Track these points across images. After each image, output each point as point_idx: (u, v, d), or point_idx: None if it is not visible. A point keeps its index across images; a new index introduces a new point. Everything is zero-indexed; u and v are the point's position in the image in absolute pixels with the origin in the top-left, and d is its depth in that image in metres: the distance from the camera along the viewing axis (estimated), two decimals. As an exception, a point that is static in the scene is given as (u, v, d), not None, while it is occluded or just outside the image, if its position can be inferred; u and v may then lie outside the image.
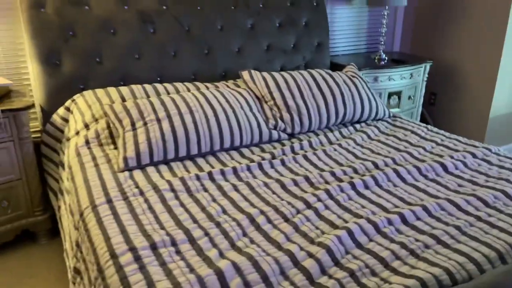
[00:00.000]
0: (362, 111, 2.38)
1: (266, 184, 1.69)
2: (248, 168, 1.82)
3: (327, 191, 1.61)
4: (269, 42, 2.71)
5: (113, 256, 1.24)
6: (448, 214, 1.50)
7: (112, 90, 2.14)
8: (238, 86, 2.39)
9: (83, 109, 2.08)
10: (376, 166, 1.86)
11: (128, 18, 2.29)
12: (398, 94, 3.06)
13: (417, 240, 1.34)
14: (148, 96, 2.14)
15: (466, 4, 3.17)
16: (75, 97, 2.16)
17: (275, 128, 2.18)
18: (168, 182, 1.65)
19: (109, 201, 1.52)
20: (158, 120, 1.89)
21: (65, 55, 2.17)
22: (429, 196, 1.63)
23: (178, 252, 1.27)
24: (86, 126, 2.03)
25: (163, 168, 1.81)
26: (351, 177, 1.76)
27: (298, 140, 2.16)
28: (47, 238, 2.26)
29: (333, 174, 1.77)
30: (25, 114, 2.00)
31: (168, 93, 2.20)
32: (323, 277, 1.19)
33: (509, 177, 1.75)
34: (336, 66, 2.98)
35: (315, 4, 2.84)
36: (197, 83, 2.34)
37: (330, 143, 2.15)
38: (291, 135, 2.23)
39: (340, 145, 2.09)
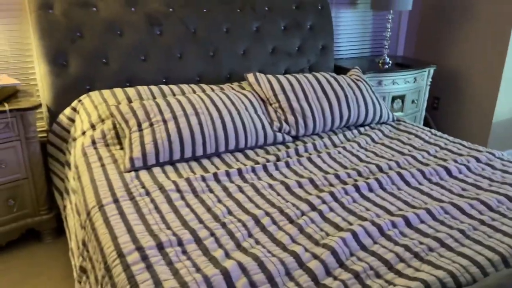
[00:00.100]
0: (366, 115, 2.40)
1: (271, 186, 1.70)
2: (253, 170, 1.83)
3: (332, 194, 1.62)
4: (274, 45, 2.73)
5: (120, 255, 1.25)
6: (452, 218, 1.51)
7: (118, 91, 2.16)
8: (243, 88, 2.40)
9: (90, 110, 2.09)
10: (380, 169, 1.87)
11: (135, 20, 2.31)
12: (402, 98, 3.08)
13: (421, 243, 1.35)
14: (154, 97, 2.15)
15: (470, 9, 3.18)
16: (81, 97, 2.18)
17: (279, 130, 2.19)
18: (174, 182, 1.66)
19: (116, 201, 1.54)
20: (164, 121, 1.91)
21: (72, 56, 2.19)
22: (433, 199, 1.64)
23: (184, 252, 1.28)
24: (93, 127, 2.05)
25: (169, 168, 1.83)
26: (356, 180, 1.77)
27: (303, 143, 2.17)
28: (52, 237, 2.27)
29: (337, 176, 1.78)
30: (32, 113, 2.02)
31: (174, 94, 2.22)
32: (328, 278, 1.20)
33: (513, 181, 1.76)
34: (340, 70, 3.00)
35: (320, 7, 2.86)
36: (203, 85, 2.35)
37: (335, 146, 2.16)
38: (296, 138, 2.24)
39: (344, 148, 2.10)
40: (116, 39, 2.28)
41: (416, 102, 3.19)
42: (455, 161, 1.93)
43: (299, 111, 2.24)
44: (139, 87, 2.20)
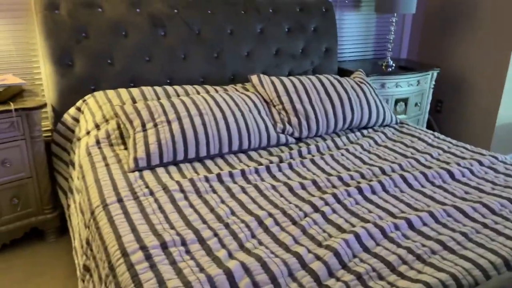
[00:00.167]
0: (370, 117, 2.40)
1: (274, 187, 1.71)
2: (256, 171, 1.84)
3: (335, 195, 1.63)
4: (278, 46, 2.74)
5: (124, 254, 1.26)
6: (454, 221, 1.51)
7: (122, 91, 2.18)
8: (247, 90, 2.41)
9: (94, 110, 2.11)
10: (383, 171, 1.87)
11: (139, 21, 2.32)
12: (405, 100, 3.08)
13: (423, 246, 1.35)
14: (158, 98, 2.17)
15: (474, 13, 3.18)
16: (86, 97, 2.19)
17: (283, 132, 2.20)
18: (178, 183, 1.67)
19: (120, 200, 1.54)
20: (168, 122, 1.92)
21: (77, 56, 2.21)
22: (435, 202, 1.64)
23: (188, 251, 1.29)
24: (97, 126, 2.06)
25: (173, 169, 1.84)
26: (358, 182, 1.77)
27: (306, 145, 2.18)
28: (55, 236, 2.29)
29: (340, 178, 1.79)
30: (37, 113, 2.04)
31: (178, 95, 2.23)
32: (331, 280, 1.20)
33: (516, 185, 1.76)
34: (343, 72, 3.00)
35: (324, 10, 2.87)
36: (207, 86, 2.36)
37: (338, 148, 2.17)
38: (299, 139, 2.25)
39: (347, 150, 2.11)
40: (121, 39, 2.29)
41: (419, 105, 3.19)
42: (458, 164, 1.93)
43: (302, 113, 2.25)
44: (144, 88, 2.21)
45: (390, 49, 3.14)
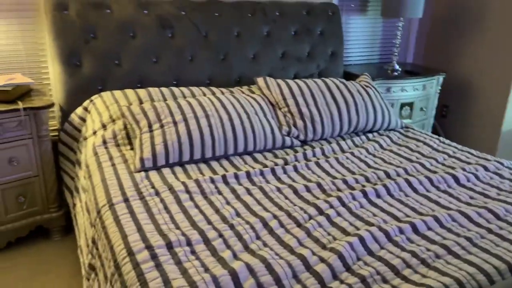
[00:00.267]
0: (375, 121, 2.41)
1: (278, 189, 1.72)
2: (261, 173, 1.84)
3: (339, 198, 1.63)
4: (284, 49, 2.75)
5: (130, 253, 1.27)
6: (459, 226, 1.51)
7: (129, 92, 2.19)
8: (253, 92, 2.42)
9: (101, 110, 2.12)
10: (388, 175, 1.88)
11: (147, 22, 2.34)
12: (410, 105, 3.08)
13: (428, 250, 1.36)
14: (164, 99, 2.18)
15: (480, 18, 3.18)
16: (93, 97, 2.21)
17: (288, 134, 2.20)
18: (183, 183, 1.68)
19: (126, 200, 1.56)
20: (175, 123, 1.93)
21: (85, 57, 2.23)
22: (440, 207, 1.64)
23: (193, 252, 1.30)
24: (104, 126, 2.07)
25: (178, 170, 1.85)
26: (363, 186, 1.78)
27: (311, 147, 2.19)
28: (60, 235, 2.30)
29: (345, 182, 1.79)
30: (45, 112, 2.05)
31: (184, 96, 2.24)
32: (335, 282, 1.21)
33: (521, 191, 1.76)
34: (349, 76, 3.01)
35: (330, 13, 2.88)
36: (213, 88, 2.38)
37: (343, 151, 2.17)
38: (304, 142, 2.26)
39: (352, 153, 2.11)
40: (129, 40, 2.31)
41: (424, 109, 3.19)
42: (463, 169, 1.93)
43: (308, 116, 2.25)
44: (150, 89, 2.22)
45: (396, 53, 3.15)
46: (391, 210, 1.60)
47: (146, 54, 2.35)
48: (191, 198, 1.61)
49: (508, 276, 1.26)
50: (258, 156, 2.05)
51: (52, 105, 2.05)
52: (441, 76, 3.17)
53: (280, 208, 1.58)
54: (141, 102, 2.14)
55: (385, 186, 1.74)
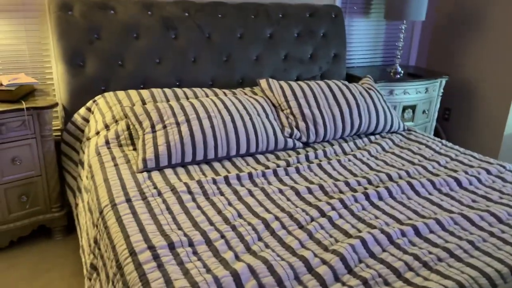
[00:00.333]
0: (377, 123, 2.41)
1: (281, 191, 1.72)
2: (264, 175, 1.85)
3: (341, 201, 1.63)
4: (287, 51, 2.75)
5: (132, 253, 1.27)
6: (461, 229, 1.51)
7: (132, 92, 2.20)
8: (255, 94, 2.43)
9: (104, 110, 2.13)
10: (390, 178, 1.88)
11: (151, 23, 2.35)
12: (413, 108, 3.08)
13: (430, 253, 1.35)
14: (167, 100, 2.18)
15: (483, 21, 3.18)
16: (96, 98, 2.21)
17: (290, 136, 2.21)
18: (186, 184, 1.68)
19: (128, 200, 1.56)
20: (178, 124, 1.93)
21: (89, 57, 2.23)
22: (442, 210, 1.64)
23: (195, 252, 1.30)
24: (106, 127, 2.08)
25: (181, 170, 1.85)
26: (365, 188, 1.78)
27: (313, 149, 2.19)
28: (62, 235, 2.31)
29: (347, 184, 1.79)
30: (49, 112, 2.06)
31: (187, 97, 2.25)
32: (337, 284, 1.21)
33: (524, 194, 1.75)
34: (351, 78, 3.01)
35: (333, 16, 2.88)
36: (215, 89, 2.38)
37: (345, 153, 2.17)
38: (306, 144, 2.26)
39: (354, 156, 2.11)
40: (132, 41, 2.32)
41: (427, 112, 3.19)
42: (466, 173, 1.93)
43: (310, 118, 2.26)
44: (153, 90, 2.23)
45: (399, 56, 3.15)
46: (393, 213, 1.60)
47: (150, 55, 2.36)
48: (193, 199, 1.61)
49: (510, 280, 1.26)
50: (260, 157, 2.06)
51: (55, 105, 2.05)
52: (444, 79, 3.17)
53: (282, 209, 1.58)
54: (144, 102, 2.14)
55: (387, 188, 1.74)
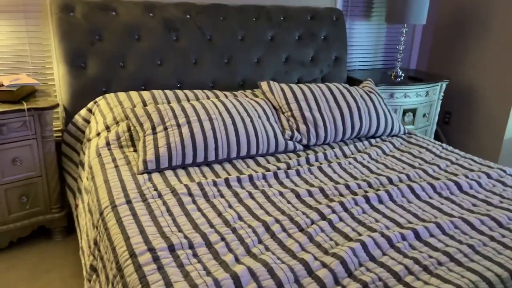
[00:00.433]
0: (378, 126, 2.41)
1: (281, 194, 1.72)
2: (264, 177, 1.85)
3: (342, 204, 1.63)
4: (288, 54, 2.75)
5: (132, 255, 1.27)
6: (461, 233, 1.51)
7: (133, 94, 2.20)
8: (256, 96, 2.43)
9: (105, 111, 2.13)
10: (391, 181, 1.88)
11: (153, 25, 2.35)
12: (413, 111, 3.08)
13: (430, 257, 1.35)
14: (168, 102, 2.19)
15: (484, 25, 3.19)
16: (97, 99, 2.21)
17: (291, 139, 2.21)
18: (186, 186, 1.68)
19: (129, 202, 1.56)
20: (178, 126, 1.93)
21: (90, 58, 2.24)
22: (443, 213, 1.64)
23: (195, 255, 1.30)
24: (107, 128, 2.08)
25: (181, 172, 1.85)
26: (366, 191, 1.78)
27: (314, 152, 2.19)
28: (62, 236, 2.30)
29: (347, 187, 1.79)
30: (50, 113, 2.06)
31: (188, 99, 2.25)
32: (337, 288, 1.21)
33: (524, 199, 1.75)
34: (352, 81, 3.01)
35: (334, 19, 2.89)
36: (216, 91, 2.38)
37: (345, 156, 2.17)
38: (307, 147, 2.26)
39: (355, 159, 2.11)
40: (134, 43, 2.32)
41: (427, 116, 3.19)
42: (466, 176, 1.93)
43: (311, 121, 2.26)
44: (154, 91, 2.23)
45: (400, 59, 3.15)
46: (393, 216, 1.60)
47: (151, 57, 2.36)
48: (194, 201, 1.61)
49: (511, 284, 1.26)
50: (261, 160, 2.06)
51: (56, 106, 2.06)
52: (444, 82, 3.18)
53: (283, 212, 1.58)
54: (145, 104, 2.15)
55: (387, 192, 1.74)
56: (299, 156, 2.13)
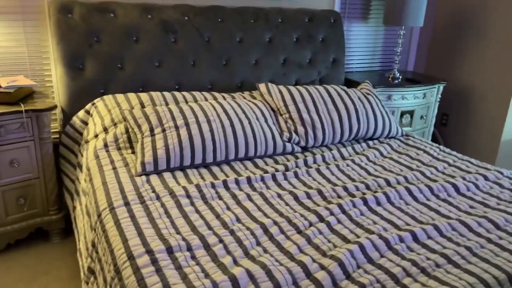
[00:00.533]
0: (376, 128, 2.41)
1: (279, 195, 1.72)
2: (262, 179, 1.85)
3: (340, 206, 1.63)
4: (286, 56, 2.76)
5: (130, 257, 1.27)
6: (459, 235, 1.52)
7: (131, 95, 2.20)
8: (254, 98, 2.43)
9: (103, 113, 2.13)
10: (388, 183, 1.88)
11: (151, 27, 2.35)
12: (411, 113, 3.09)
13: (428, 259, 1.36)
14: (166, 103, 2.19)
15: (481, 27, 3.20)
16: (95, 101, 2.21)
17: (289, 140, 2.21)
18: (184, 188, 1.68)
19: (127, 204, 1.56)
20: (176, 128, 1.93)
21: (88, 60, 2.23)
22: (440, 216, 1.65)
23: (193, 257, 1.30)
24: (105, 130, 2.08)
25: (179, 174, 1.85)
26: (364, 193, 1.78)
27: (312, 154, 2.19)
28: (59, 238, 2.30)
29: (345, 189, 1.79)
30: (47, 115, 2.06)
31: (186, 101, 2.25)
32: (335, 290, 1.21)
33: (521, 201, 1.76)
34: (350, 83, 3.02)
35: (332, 21, 2.90)
36: (214, 93, 2.38)
37: (343, 158, 2.18)
38: (305, 149, 2.26)
39: (353, 161, 2.12)
40: (132, 44, 2.32)
41: (424, 117, 3.20)
42: (464, 178, 1.94)
43: (309, 122, 2.26)
44: (152, 93, 2.23)
45: (397, 62, 3.16)
46: (391, 218, 1.60)
47: (149, 58, 2.36)
48: (192, 203, 1.61)
49: (508, 286, 1.26)
50: (259, 161, 2.06)
51: (54, 107, 2.05)
52: (442, 84, 3.19)
53: (281, 214, 1.58)
54: (143, 106, 2.14)
55: (385, 194, 1.74)
56: (297, 158, 2.14)
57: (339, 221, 1.55)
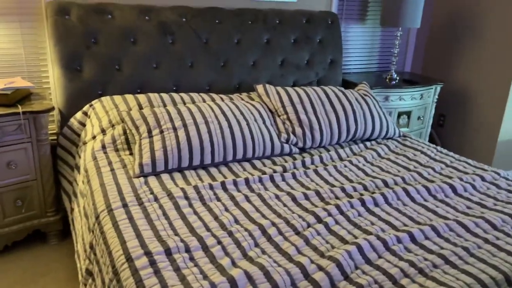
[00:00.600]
0: (373, 129, 2.42)
1: (277, 197, 1.72)
2: (260, 180, 1.85)
3: (338, 207, 1.64)
4: (284, 57, 2.76)
5: (129, 259, 1.27)
6: (456, 235, 1.52)
7: (129, 97, 2.20)
8: (252, 99, 2.43)
9: (101, 115, 2.13)
10: (386, 184, 1.89)
11: (148, 28, 2.35)
12: (408, 114, 3.10)
13: (425, 259, 1.36)
14: (164, 105, 2.19)
15: (478, 28, 3.22)
16: (93, 102, 2.21)
17: (287, 141, 2.21)
18: (182, 189, 1.68)
19: (125, 205, 1.56)
20: (174, 129, 1.94)
21: (86, 61, 2.23)
22: (438, 216, 1.65)
23: (192, 258, 1.30)
24: (103, 131, 2.08)
25: (177, 175, 1.85)
26: (361, 194, 1.78)
27: (309, 155, 2.20)
28: (57, 239, 2.29)
29: (343, 190, 1.80)
30: (45, 116, 2.06)
31: (184, 102, 2.25)
32: (333, 291, 1.21)
33: (518, 201, 1.77)
34: (348, 84, 3.03)
35: (329, 22, 2.90)
36: (212, 94, 2.39)
37: (341, 159, 2.18)
38: (303, 150, 2.27)
39: (350, 161, 2.12)
40: (130, 46, 2.32)
41: (422, 118, 3.21)
42: (461, 179, 1.95)
43: (306, 124, 2.27)
44: (150, 94, 2.23)
45: (394, 63, 3.17)
46: (388, 219, 1.60)
47: (147, 60, 2.36)
48: (190, 205, 1.61)
49: (505, 287, 1.27)
50: (257, 163, 2.06)
51: (51, 109, 2.05)
52: (439, 85, 3.20)
53: (279, 215, 1.58)
54: (140, 107, 2.14)
55: (383, 194, 1.75)
56: (295, 159, 2.14)
57: (337, 222, 1.56)
